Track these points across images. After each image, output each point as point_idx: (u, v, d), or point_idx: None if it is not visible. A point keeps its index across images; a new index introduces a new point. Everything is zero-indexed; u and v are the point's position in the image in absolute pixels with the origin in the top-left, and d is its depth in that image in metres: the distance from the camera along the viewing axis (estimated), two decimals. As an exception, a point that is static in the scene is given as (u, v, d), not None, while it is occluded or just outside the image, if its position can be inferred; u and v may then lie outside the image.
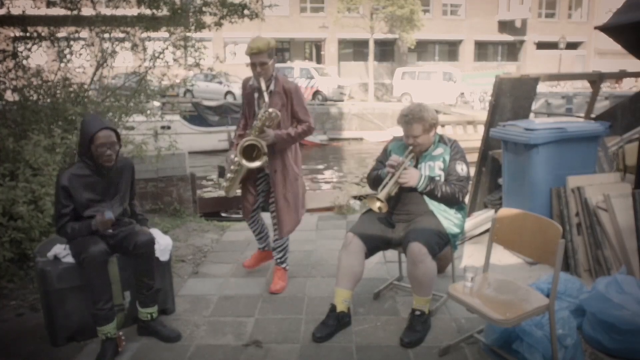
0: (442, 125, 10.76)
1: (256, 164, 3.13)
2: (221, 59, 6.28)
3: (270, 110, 3.10)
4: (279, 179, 3.30)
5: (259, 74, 3.12)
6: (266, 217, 3.62)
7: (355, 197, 7.71)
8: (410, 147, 2.90)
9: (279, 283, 3.46)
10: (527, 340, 2.34)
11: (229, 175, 3.34)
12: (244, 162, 3.13)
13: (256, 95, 3.28)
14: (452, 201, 2.85)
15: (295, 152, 3.42)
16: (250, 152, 3.13)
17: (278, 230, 3.41)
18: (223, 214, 6.59)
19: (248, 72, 3.33)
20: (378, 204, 2.75)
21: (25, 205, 3.45)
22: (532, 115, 5.46)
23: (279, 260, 3.53)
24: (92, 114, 2.87)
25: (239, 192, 3.51)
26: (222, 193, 3.64)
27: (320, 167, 15.57)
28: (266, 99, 3.11)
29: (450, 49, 31.67)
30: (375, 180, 3.03)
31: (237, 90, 19.28)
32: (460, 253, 3.94)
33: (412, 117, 2.82)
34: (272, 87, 3.18)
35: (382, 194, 2.75)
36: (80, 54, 5.30)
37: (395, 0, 24.14)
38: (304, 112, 3.27)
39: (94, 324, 2.61)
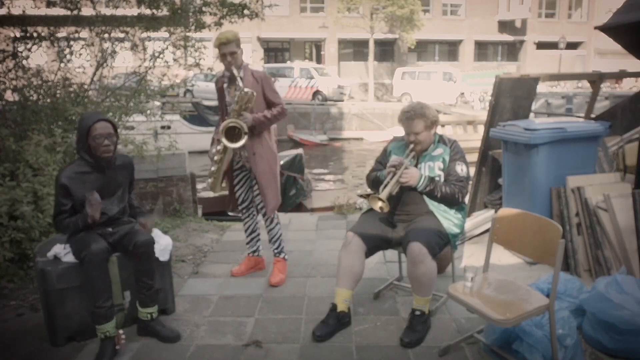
0: (442, 125, 10.72)
1: (239, 143, 3.20)
2: (221, 58, 6.28)
3: (246, 89, 3.19)
4: (258, 159, 3.37)
5: (229, 63, 3.26)
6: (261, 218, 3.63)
7: (361, 196, 7.72)
8: (411, 147, 2.90)
9: (278, 275, 3.51)
10: (527, 340, 2.34)
11: (212, 169, 3.40)
12: (227, 142, 3.20)
13: (225, 85, 3.40)
14: (451, 201, 2.85)
15: (271, 134, 3.50)
16: (231, 135, 3.20)
17: (265, 209, 3.47)
18: (230, 213, 6.59)
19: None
20: (379, 203, 2.75)
21: (27, 205, 3.45)
22: (532, 115, 5.46)
23: (276, 251, 3.61)
24: (90, 111, 2.90)
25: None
26: (226, 192, 3.68)
27: (321, 167, 15.56)
28: (240, 82, 3.21)
29: (450, 49, 31.67)
30: (374, 181, 3.03)
31: (237, 90, 19.22)
32: (460, 253, 3.94)
33: (414, 113, 2.85)
34: (242, 74, 3.29)
35: (384, 193, 2.75)
36: (80, 54, 5.29)
37: (395, 0, 24.13)
38: (276, 96, 3.40)
39: (93, 323, 2.60)
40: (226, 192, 3.57)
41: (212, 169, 3.41)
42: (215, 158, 3.37)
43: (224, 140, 3.20)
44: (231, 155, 3.39)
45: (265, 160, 3.39)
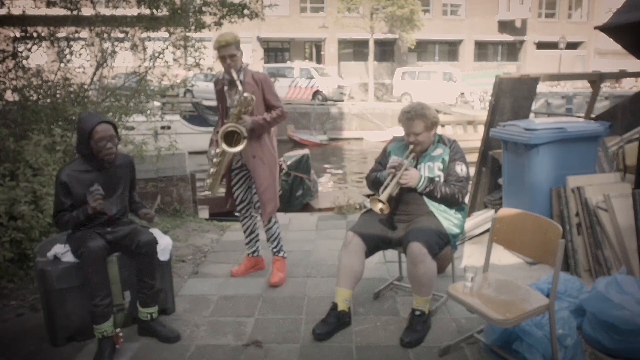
0: (442, 125, 10.78)
1: (238, 148, 3.19)
2: (221, 58, 6.28)
3: (245, 94, 3.18)
4: (258, 163, 3.37)
5: (229, 66, 3.24)
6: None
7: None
8: (411, 148, 2.90)
9: (277, 274, 3.50)
10: (527, 340, 2.34)
11: (211, 170, 3.39)
12: (226, 147, 3.20)
13: (225, 88, 3.39)
14: (451, 202, 2.85)
15: (271, 137, 3.50)
16: (230, 139, 3.20)
17: (262, 213, 3.47)
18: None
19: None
20: (380, 205, 2.75)
21: (27, 205, 3.45)
22: (532, 115, 5.46)
23: (275, 250, 3.61)
24: (88, 112, 2.90)
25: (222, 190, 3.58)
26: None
27: (320, 167, 15.56)
28: (239, 86, 3.20)
29: (450, 49, 31.66)
30: (374, 182, 3.03)
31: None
32: (460, 253, 3.94)
33: (414, 114, 2.84)
34: (241, 77, 3.28)
35: (384, 195, 2.74)
36: (80, 54, 5.30)
37: (395, 0, 24.14)
38: (275, 98, 3.39)
39: (91, 322, 2.60)
40: (212, 192, 3.56)
41: (211, 170, 3.40)
42: (215, 160, 3.36)
43: (223, 145, 3.19)
44: (230, 158, 3.39)
45: (265, 163, 3.39)
